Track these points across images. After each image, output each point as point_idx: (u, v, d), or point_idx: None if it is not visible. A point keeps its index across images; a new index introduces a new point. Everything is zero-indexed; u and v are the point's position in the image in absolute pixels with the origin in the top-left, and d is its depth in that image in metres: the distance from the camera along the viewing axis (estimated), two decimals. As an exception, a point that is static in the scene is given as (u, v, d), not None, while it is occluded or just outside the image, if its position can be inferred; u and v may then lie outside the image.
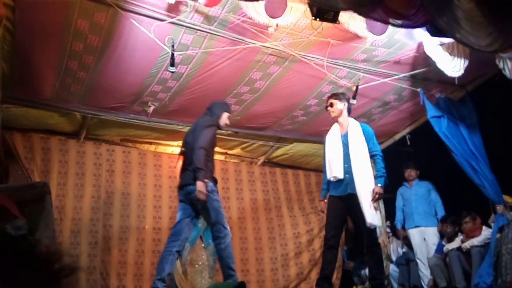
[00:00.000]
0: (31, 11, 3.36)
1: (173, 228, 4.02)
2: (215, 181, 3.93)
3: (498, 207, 4.44)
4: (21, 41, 3.63)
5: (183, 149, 4.18)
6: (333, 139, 4.09)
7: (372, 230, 3.89)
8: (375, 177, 3.96)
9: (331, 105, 4.10)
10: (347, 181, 3.90)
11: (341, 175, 3.90)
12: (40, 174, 4.94)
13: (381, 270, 4.29)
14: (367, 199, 3.81)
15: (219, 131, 5.56)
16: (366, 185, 3.85)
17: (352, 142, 3.96)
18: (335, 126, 4.14)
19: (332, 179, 3.97)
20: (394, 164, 5.94)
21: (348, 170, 3.91)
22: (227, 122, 4.17)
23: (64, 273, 0.63)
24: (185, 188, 3.88)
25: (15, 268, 0.60)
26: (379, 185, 3.88)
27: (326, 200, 4.12)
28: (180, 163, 4.15)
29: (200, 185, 3.68)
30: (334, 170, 3.95)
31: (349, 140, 3.97)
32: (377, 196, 3.84)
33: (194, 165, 3.72)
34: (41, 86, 4.34)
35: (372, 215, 3.78)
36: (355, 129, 4.03)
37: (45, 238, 1.83)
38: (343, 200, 3.96)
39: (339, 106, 4.09)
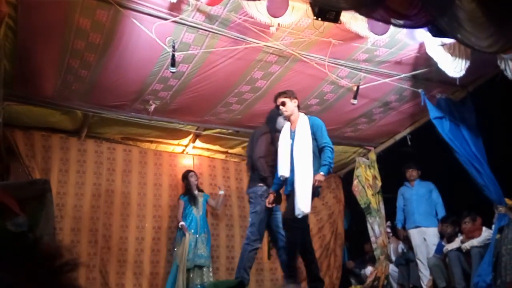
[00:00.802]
0: (33, 9, 3.37)
1: None
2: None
3: (500, 208, 4.44)
4: (23, 38, 3.63)
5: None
6: (283, 137, 4.04)
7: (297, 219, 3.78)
8: (320, 165, 3.86)
9: (283, 104, 4.03)
10: (292, 178, 3.85)
11: (287, 174, 3.88)
12: (41, 171, 4.95)
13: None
14: (301, 190, 3.71)
15: (219, 129, 5.62)
16: (304, 180, 3.75)
17: (297, 140, 3.90)
18: (287, 124, 4.10)
19: (281, 177, 3.95)
20: (394, 164, 5.97)
21: (292, 167, 3.86)
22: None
23: (67, 268, 0.64)
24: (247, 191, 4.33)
25: (19, 261, 0.60)
26: (321, 173, 3.78)
27: (275, 194, 4.11)
28: None
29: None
30: (281, 169, 3.92)
31: (295, 137, 3.92)
32: (316, 183, 3.76)
33: (261, 175, 4.17)
34: (43, 84, 4.35)
35: (303, 204, 3.68)
36: (303, 125, 3.96)
37: (45, 235, 1.83)
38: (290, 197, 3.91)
39: (291, 104, 4.04)
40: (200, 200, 5.49)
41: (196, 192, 5.49)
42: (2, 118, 4.35)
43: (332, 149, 3.92)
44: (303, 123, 3.98)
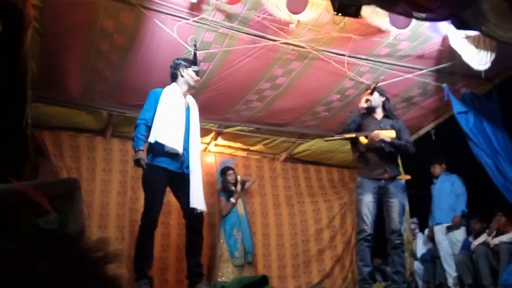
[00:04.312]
0: (58, 12, 3.46)
1: None
2: None
3: None
4: (49, 41, 3.73)
5: None
6: (177, 105, 3.59)
7: (199, 215, 3.63)
8: None
9: (198, 73, 3.73)
10: (184, 158, 3.58)
11: (180, 149, 3.51)
12: (68, 170, 5.08)
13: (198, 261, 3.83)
14: (198, 182, 3.56)
15: (240, 127, 5.64)
16: (198, 167, 3.60)
17: (193, 120, 3.68)
18: (177, 91, 3.65)
19: (169, 149, 3.51)
20: (418, 159, 5.87)
21: (186, 146, 3.58)
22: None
23: (108, 259, 0.67)
24: None
25: (63, 253, 0.64)
26: None
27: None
28: None
29: None
30: (174, 142, 3.50)
31: (191, 116, 3.68)
32: None
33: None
34: (69, 85, 4.46)
35: (198, 200, 3.55)
36: (196, 108, 3.75)
37: (75, 232, 1.89)
38: (172, 177, 3.61)
39: None
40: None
41: (233, 188, 5.47)
42: (30, 119, 4.49)
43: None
44: (196, 108, 3.75)
